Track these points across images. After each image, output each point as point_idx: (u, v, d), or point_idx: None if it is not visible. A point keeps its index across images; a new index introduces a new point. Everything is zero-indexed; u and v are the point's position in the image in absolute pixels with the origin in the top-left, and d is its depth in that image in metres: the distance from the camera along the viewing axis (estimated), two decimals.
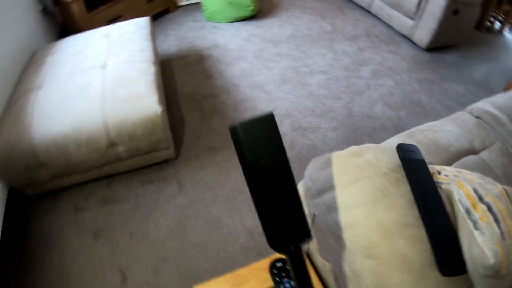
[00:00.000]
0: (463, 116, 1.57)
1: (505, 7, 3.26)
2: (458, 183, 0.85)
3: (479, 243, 0.72)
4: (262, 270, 1.04)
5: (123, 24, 2.16)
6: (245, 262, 1.47)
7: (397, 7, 2.94)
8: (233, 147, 1.92)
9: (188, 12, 3.32)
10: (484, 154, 1.40)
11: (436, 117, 2.24)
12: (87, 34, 2.11)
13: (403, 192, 0.84)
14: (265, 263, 1.03)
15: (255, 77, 2.47)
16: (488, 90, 2.52)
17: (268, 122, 0.55)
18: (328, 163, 0.91)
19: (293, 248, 0.59)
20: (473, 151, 1.40)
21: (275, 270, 0.96)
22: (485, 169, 1.35)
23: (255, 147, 0.55)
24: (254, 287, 1.02)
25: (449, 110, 2.31)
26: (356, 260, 0.83)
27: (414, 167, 0.87)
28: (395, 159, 0.92)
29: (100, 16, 2.57)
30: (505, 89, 2.61)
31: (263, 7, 3.36)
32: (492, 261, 0.69)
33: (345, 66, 2.61)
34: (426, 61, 2.74)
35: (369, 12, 3.32)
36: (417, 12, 2.78)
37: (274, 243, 0.57)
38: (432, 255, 0.77)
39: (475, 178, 0.90)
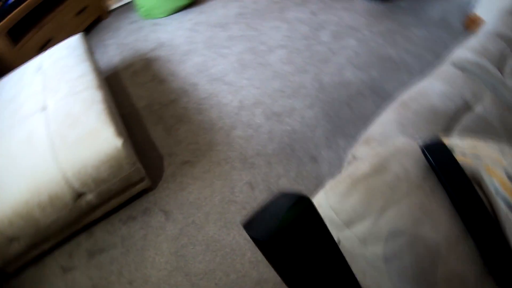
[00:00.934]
0: (447, 70, 1.49)
1: None
2: (487, 170, 0.74)
3: None
4: None
5: (54, 50, 1.92)
6: (258, 277, 1.36)
7: None
8: (209, 153, 1.79)
9: (122, 14, 3.04)
10: (479, 109, 1.33)
11: (409, 70, 2.16)
12: (17, 72, 1.86)
13: (441, 202, 0.73)
14: None
15: (212, 69, 2.28)
16: (449, 29, 2.45)
17: (307, 217, 0.39)
18: (352, 190, 0.77)
19: None
20: (468, 107, 1.34)
21: None
22: (485, 126, 1.27)
23: (298, 256, 0.39)
24: None
25: (419, 58, 2.22)
26: None
27: (446, 170, 0.75)
28: (422, 161, 0.79)
29: (29, 46, 2.28)
30: (465, 25, 2.56)
31: None
32: None
33: (303, 35, 2.46)
34: (383, 12, 2.62)
35: None
36: None
37: None
38: (485, 267, 0.67)
39: (499, 155, 0.79)
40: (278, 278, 1.38)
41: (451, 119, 1.27)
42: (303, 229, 0.38)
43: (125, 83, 2.30)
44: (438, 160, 0.77)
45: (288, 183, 1.64)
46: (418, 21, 2.51)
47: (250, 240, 1.41)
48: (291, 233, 0.37)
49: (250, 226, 0.39)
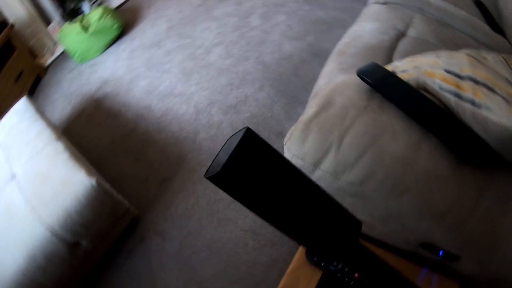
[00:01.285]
0: (373, 9, 1.55)
1: None
2: (425, 73, 0.80)
3: (492, 120, 0.68)
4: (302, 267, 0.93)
5: (5, 120, 1.92)
6: (268, 260, 1.40)
7: None
8: (182, 164, 1.81)
9: (59, 66, 3.02)
10: (412, 32, 1.40)
11: (342, 24, 2.23)
12: None
13: (392, 114, 0.79)
14: (298, 257, 0.94)
15: (159, 87, 2.30)
16: None
17: (249, 142, 0.43)
18: (306, 132, 0.81)
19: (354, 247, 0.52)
20: (402, 34, 1.39)
21: (315, 257, 0.90)
22: (422, 45, 1.33)
23: (253, 181, 0.43)
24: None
25: (349, 11, 2.31)
26: (390, 204, 0.77)
27: (386, 84, 0.81)
28: (362, 86, 0.85)
29: None
30: None
31: (126, 18, 3.11)
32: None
33: (234, 26, 2.51)
34: None
35: None
36: None
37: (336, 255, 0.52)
38: (456, 156, 0.74)
39: (435, 59, 0.85)
40: (288, 255, 1.42)
41: (388, 50, 1.31)
42: (249, 154, 0.42)
43: (83, 129, 2.30)
44: (375, 78, 0.83)
45: None
46: None
47: (247, 229, 1.45)
48: (239, 160, 0.41)
49: (208, 172, 0.42)
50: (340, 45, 1.42)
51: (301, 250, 0.95)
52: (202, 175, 1.71)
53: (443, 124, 0.74)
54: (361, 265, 0.58)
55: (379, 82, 0.82)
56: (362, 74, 0.84)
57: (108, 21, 2.71)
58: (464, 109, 0.72)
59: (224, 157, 0.40)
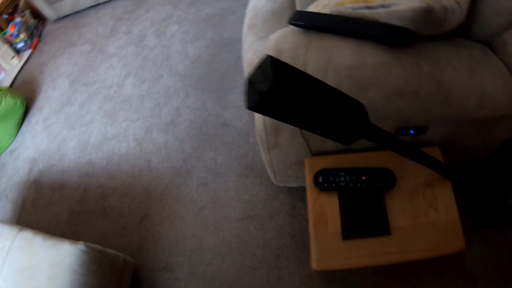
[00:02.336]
0: None
1: None
2: (336, 5, 0.90)
3: (402, 9, 0.79)
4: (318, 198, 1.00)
5: None
6: (274, 233, 1.43)
7: None
8: (150, 196, 1.75)
9: None
10: None
11: (231, 10, 2.29)
12: None
13: (331, 38, 0.89)
14: (311, 192, 1.01)
15: (91, 139, 2.17)
16: None
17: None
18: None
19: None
20: None
21: (321, 180, 0.99)
22: None
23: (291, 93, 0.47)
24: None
25: None
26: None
27: (315, 21, 0.91)
28: (297, 30, 0.94)
29: None
30: None
31: (24, 92, 2.87)
32: (423, 5, 0.77)
33: (134, 53, 2.45)
34: None
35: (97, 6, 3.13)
36: None
37: (354, 134, 0.57)
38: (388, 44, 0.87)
39: None
40: (288, 217, 1.44)
41: (290, 7, 1.38)
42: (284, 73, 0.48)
43: (35, 216, 2.10)
44: (305, 20, 0.93)
45: (224, 155, 1.70)
46: None
47: (243, 216, 1.47)
48: (279, 79, 0.46)
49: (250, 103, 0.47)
50: (247, 21, 1.45)
51: (310, 185, 1.01)
52: (175, 195, 1.67)
53: (369, 29, 0.86)
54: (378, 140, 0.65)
55: (310, 21, 0.92)
56: (294, 21, 0.94)
57: (9, 101, 2.50)
58: (379, 14, 0.84)
59: (263, 84, 0.44)
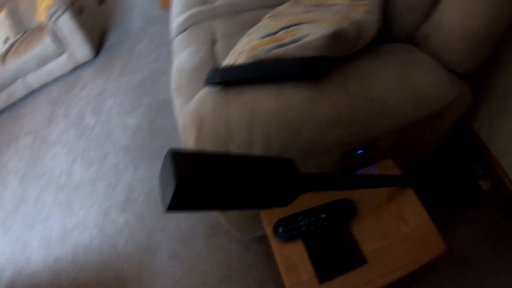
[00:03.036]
0: (178, 41, 1.60)
1: None
2: (249, 50, 0.91)
3: (314, 39, 0.79)
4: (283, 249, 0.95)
5: None
6: (255, 268, 1.41)
7: (44, 62, 2.83)
8: (125, 280, 1.70)
9: None
10: (219, 35, 1.52)
11: (161, 71, 2.30)
12: None
13: (249, 90, 0.88)
14: (274, 244, 0.96)
15: (52, 235, 2.03)
16: (155, 20, 2.85)
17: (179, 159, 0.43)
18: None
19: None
20: (213, 42, 1.51)
21: (281, 230, 0.95)
22: (233, 38, 1.40)
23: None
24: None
25: (159, 59, 2.42)
26: (297, 146, 0.88)
27: (229, 76, 0.90)
28: (214, 90, 0.93)
29: None
30: (161, 5, 2.83)
31: None
32: (331, 30, 0.78)
33: (76, 136, 2.39)
34: (106, 62, 2.71)
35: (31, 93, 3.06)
36: (59, 46, 2.71)
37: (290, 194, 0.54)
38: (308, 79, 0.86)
39: (249, 37, 0.97)
40: (272, 272, 1.42)
41: (211, 60, 1.39)
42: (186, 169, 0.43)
43: None
44: (219, 77, 0.91)
45: (187, 221, 1.66)
46: (135, 40, 2.67)
47: (223, 277, 1.46)
48: (182, 175, 0.42)
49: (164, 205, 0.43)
50: (173, 84, 1.43)
51: (272, 238, 0.97)
52: (150, 275, 1.62)
53: (284, 69, 0.85)
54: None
55: (224, 77, 0.91)
56: (208, 81, 0.92)
57: None
58: (292, 50, 0.83)
59: (170, 183, 0.41)
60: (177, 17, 1.71)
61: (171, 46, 1.70)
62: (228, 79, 0.89)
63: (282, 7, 1.01)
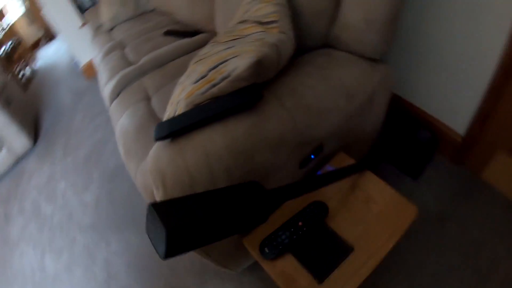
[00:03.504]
0: (115, 107, 1.62)
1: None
2: (186, 97, 0.94)
3: (242, 69, 0.84)
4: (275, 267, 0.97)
5: None
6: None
7: None
8: None
9: None
10: (152, 91, 1.57)
11: (104, 140, 2.27)
12: None
13: (197, 134, 0.90)
14: (265, 265, 0.98)
15: None
16: (85, 93, 2.66)
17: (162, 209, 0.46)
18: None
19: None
20: (149, 98, 1.54)
21: (267, 250, 0.97)
22: (166, 90, 1.47)
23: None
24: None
25: (98, 129, 2.39)
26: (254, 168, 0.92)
27: (175, 126, 0.92)
28: (165, 142, 0.95)
29: None
30: (86, 76, 2.80)
31: None
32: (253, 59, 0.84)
33: (38, 227, 2.25)
34: (47, 152, 2.62)
35: None
36: None
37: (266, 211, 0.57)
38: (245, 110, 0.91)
39: (181, 86, 1.01)
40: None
41: (151, 116, 1.42)
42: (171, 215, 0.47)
43: None
44: (166, 130, 0.93)
45: (175, 276, 1.61)
46: (70, 117, 2.62)
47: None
48: (169, 223, 0.45)
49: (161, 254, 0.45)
50: (121, 150, 1.44)
51: (261, 260, 0.99)
52: None
53: (222, 105, 0.89)
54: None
55: (171, 129, 0.92)
56: (158, 136, 0.94)
57: None
58: (225, 86, 0.87)
59: (161, 232, 0.44)
60: (106, 85, 1.73)
61: (107, 113, 1.71)
62: (175, 130, 0.91)
63: (204, 50, 1.07)
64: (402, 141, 1.55)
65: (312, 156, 1.06)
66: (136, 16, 2.53)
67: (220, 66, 0.91)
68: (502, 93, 1.25)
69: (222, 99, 0.89)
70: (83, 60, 3.14)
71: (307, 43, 1.16)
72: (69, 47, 3.14)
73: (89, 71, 3.04)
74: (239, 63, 0.87)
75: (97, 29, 2.63)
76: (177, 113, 0.97)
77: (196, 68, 0.99)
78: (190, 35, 1.83)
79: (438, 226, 1.39)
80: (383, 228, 0.95)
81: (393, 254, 1.23)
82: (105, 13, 2.47)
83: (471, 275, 1.25)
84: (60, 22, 3.01)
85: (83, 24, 3.09)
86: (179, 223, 0.46)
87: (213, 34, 1.82)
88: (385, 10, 0.99)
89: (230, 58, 0.91)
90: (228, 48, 0.97)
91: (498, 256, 1.29)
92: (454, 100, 1.47)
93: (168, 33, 1.94)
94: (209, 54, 1.02)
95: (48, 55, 4.33)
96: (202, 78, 0.94)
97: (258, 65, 0.85)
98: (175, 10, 2.15)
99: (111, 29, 2.49)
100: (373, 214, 0.98)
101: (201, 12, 1.80)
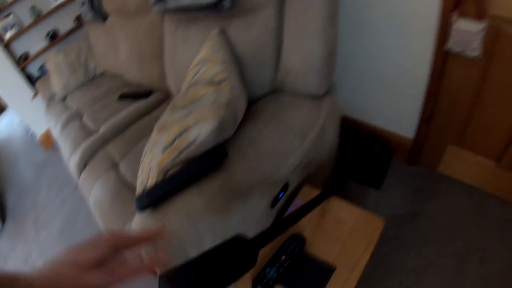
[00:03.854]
0: (84, 178, 1.62)
1: None
2: (157, 166, 1.01)
3: (207, 132, 0.93)
4: None
5: None
6: None
7: None
8: None
9: None
10: (117, 158, 1.59)
11: (75, 211, 2.24)
12: None
13: (180, 199, 0.97)
14: None
15: None
16: (47, 165, 2.63)
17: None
18: None
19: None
20: (116, 166, 1.56)
21: (259, 286, 1.02)
22: (135, 155, 1.50)
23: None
24: None
25: (65, 201, 2.34)
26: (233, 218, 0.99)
27: (155, 195, 0.99)
28: (151, 211, 0.99)
29: None
30: (44, 147, 2.75)
31: None
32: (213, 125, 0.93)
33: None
34: (18, 232, 2.56)
35: None
36: None
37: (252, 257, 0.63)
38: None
39: (150, 154, 1.07)
40: None
41: (123, 185, 1.44)
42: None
43: None
44: (146, 200, 0.99)
45: None
46: (35, 192, 2.61)
47: None
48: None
49: None
50: (100, 221, 1.44)
51: None
52: None
53: (193, 170, 0.97)
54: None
55: (151, 199, 0.99)
56: (140, 208, 1.00)
57: None
58: (192, 152, 0.96)
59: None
60: (71, 158, 1.74)
61: (74, 183, 1.72)
62: (155, 199, 0.98)
63: (164, 117, 1.14)
64: (359, 157, 1.69)
65: (281, 195, 1.15)
66: (88, 82, 2.57)
67: (184, 134, 0.99)
68: (438, 94, 1.42)
69: (192, 163, 0.98)
70: (39, 131, 3.10)
71: (257, 92, 1.27)
72: (23, 119, 3.10)
73: (47, 141, 3.01)
74: (200, 130, 0.96)
75: (50, 100, 2.63)
76: (150, 181, 1.04)
77: (162, 136, 1.06)
78: (145, 96, 1.90)
79: (411, 224, 1.51)
80: (358, 243, 1.05)
81: (375, 262, 1.33)
82: (56, 82, 2.50)
83: (451, 261, 1.36)
84: (10, 95, 2.97)
85: (35, 95, 3.07)
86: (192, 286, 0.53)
87: (167, 92, 1.91)
88: (320, 51, 1.13)
89: (192, 125, 0.99)
90: (187, 114, 1.05)
91: (472, 237, 1.41)
92: (398, 109, 1.63)
93: (123, 96, 1.99)
94: (171, 122, 1.09)
95: (0, 130, 4.23)
96: (169, 146, 1.02)
97: (218, 129, 0.95)
98: (125, 73, 2.22)
99: (64, 98, 2.51)
100: (345, 232, 1.09)
101: (152, 73, 1.88)
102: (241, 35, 1.25)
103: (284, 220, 0.82)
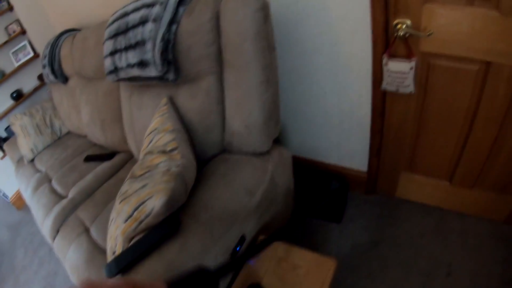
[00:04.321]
0: (58, 245, 1.66)
1: None
2: (122, 233, 1.08)
3: (163, 201, 1.02)
4: None
5: None
6: None
7: None
8: None
9: None
10: (88, 223, 1.64)
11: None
12: None
13: (145, 268, 1.02)
14: None
15: None
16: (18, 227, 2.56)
17: None
18: None
19: None
20: (87, 230, 1.61)
21: None
22: (102, 222, 1.55)
23: None
24: None
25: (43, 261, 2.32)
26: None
27: (124, 261, 1.04)
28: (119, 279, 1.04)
29: None
30: (17, 207, 2.74)
31: None
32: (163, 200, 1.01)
33: None
34: None
35: None
36: None
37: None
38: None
39: (115, 225, 1.14)
40: None
41: (95, 250, 1.49)
42: None
43: None
44: (117, 266, 1.04)
45: None
46: (11, 255, 2.63)
47: None
48: None
49: None
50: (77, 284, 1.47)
51: None
52: None
53: (152, 238, 1.05)
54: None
55: (119, 267, 1.04)
56: (110, 274, 1.05)
57: None
58: (149, 222, 1.05)
59: None
60: (44, 223, 1.79)
61: (49, 243, 1.74)
62: (122, 267, 1.05)
63: (125, 187, 1.23)
64: (318, 195, 1.80)
65: (238, 248, 1.23)
66: (54, 142, 2.63)
67: (141, 206, 1.08)
68: (382, 129, 1.55)
69: (151, 232, 1.07)
70: (10, 191, 3.12)
71: (208, 153, 1.38)
72: None
73: (20, 201, 3.02)
74: (154, 203, 1.05)
75: (18, 162, 2.67)
76: (117, 247, 1.12)
77: (123, 208, 1.15)
78: (109, 157, 1.98)
79: (375, 252, 1.60)
80: (314, 284, 1.14)
81: None
82: (24, 145, 2.55)
83: (418, 279, 1.45)
84: None
85: (3, 156, 3.10)
86: None
87: (129, 153, 2.00)
88: (259, 114, 1.24)
89: (147, 199, 1.08)
90: (143, 186, 1.14)
91: (435, 253, 1.51)
92: (349, 146, 1.76)
93: (88, 159, 2.07)
94: (130, 193, 1.18)
95: None
96: (129, 217, 1.10)
97: (169, 201, 1.05)
98: (89, 135, 2.30)
99: (32, 159, 2.56)
100: (301, 277, 1.18)
101: (113, 136, 1.97)
102: (188, 102, 1.36)
103: (236, 259, 0.92)
